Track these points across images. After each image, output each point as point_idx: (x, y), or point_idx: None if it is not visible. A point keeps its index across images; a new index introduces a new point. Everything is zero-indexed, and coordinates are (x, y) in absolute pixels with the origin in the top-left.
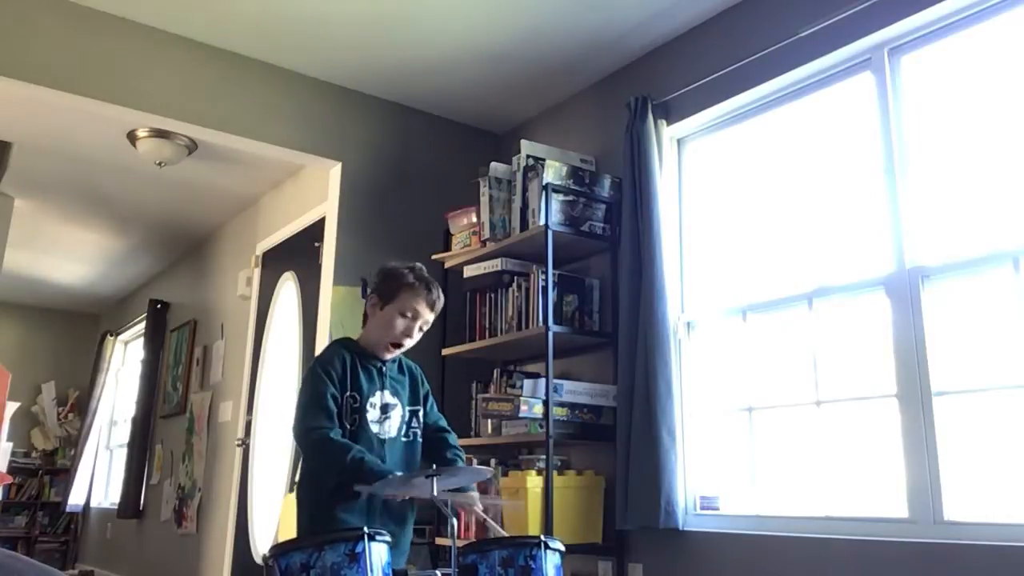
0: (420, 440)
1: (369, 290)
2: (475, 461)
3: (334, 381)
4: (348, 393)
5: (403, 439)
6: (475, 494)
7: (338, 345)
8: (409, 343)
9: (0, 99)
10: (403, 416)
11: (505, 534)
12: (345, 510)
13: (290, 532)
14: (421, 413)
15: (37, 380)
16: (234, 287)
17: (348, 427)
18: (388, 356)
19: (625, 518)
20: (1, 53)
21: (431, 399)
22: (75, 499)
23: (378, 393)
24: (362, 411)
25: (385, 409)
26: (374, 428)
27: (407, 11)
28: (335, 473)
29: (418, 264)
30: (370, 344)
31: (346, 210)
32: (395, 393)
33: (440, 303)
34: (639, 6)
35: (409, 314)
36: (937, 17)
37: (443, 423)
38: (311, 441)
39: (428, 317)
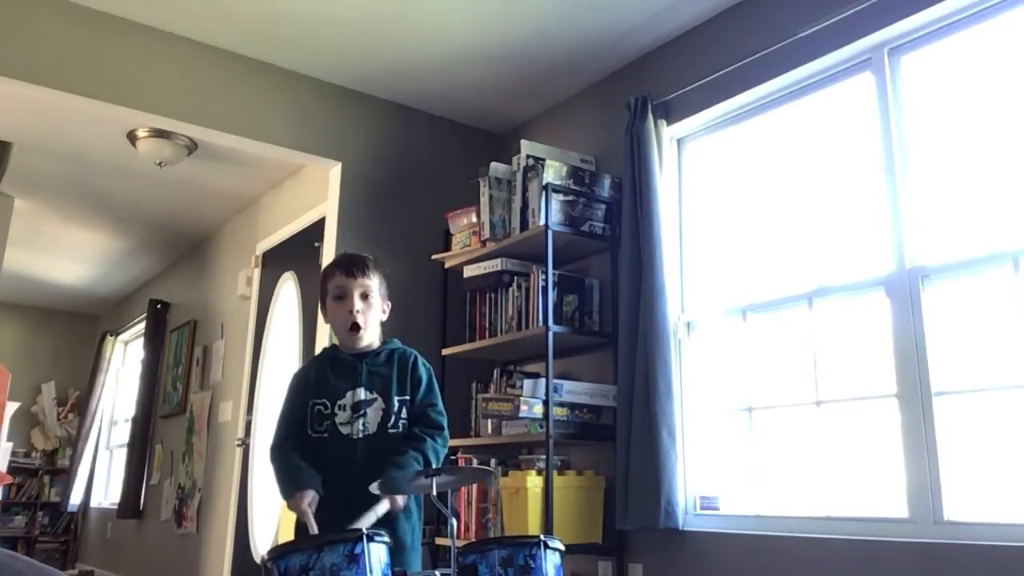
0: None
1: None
2: (475, 461)
3: (297, 396)
4: (319, 401)
5: (390, 431)
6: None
7: (317, 355)
8: (362, 318)
9: (0, 99)
10: (387, 408)
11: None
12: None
13: (290, 532)
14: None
15: (37, 380)
16: (234, 287)
17: (322, 433)
18: (361, 342)
19: (625, 518)
20: (1, 53)
21: (422, 388)
22: (75, 499)
23: (349, 393)
24: (332, 415)
25: (357, 407)
26: (344, 430)
27: (407, 11)
28: (281, 494)
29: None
30: (342, 343)
31: (346, 210)
32: (372, 387)
33: (362, 267)
34: (639, 6)
35: (338, 293)
36: (937, 17)
37: (429, 416)
38: (271, 459)
39: (358, 282)
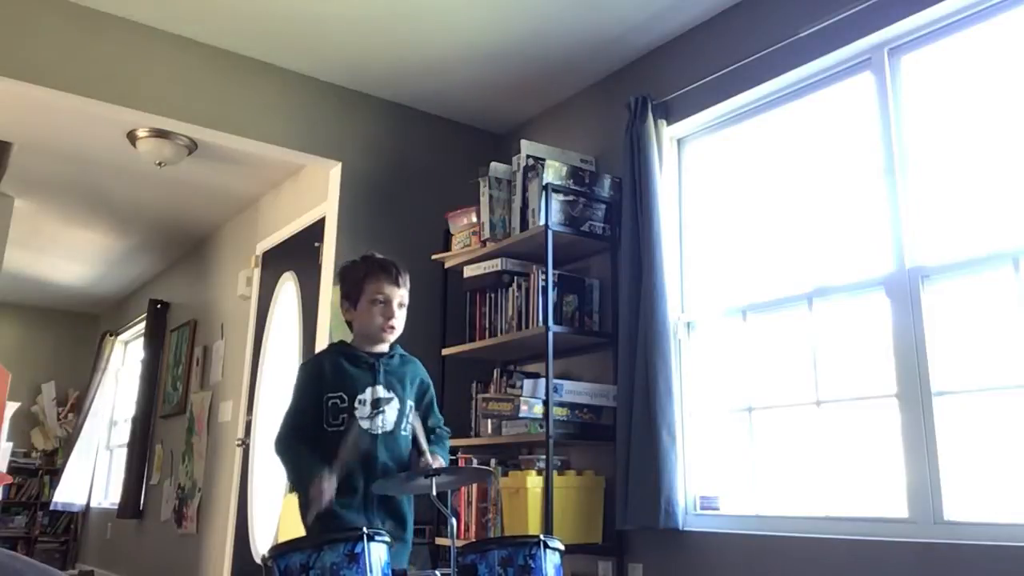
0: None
1: (340, 299)
2: (475, 461)
3: (309, 388)
4: (335, 394)
5: (403, 432)
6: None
7: (326, 350)
8: (397, 323)
9: (0, 99)
10: (402, 409)
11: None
12: (343, 505)
13: (290, 532)
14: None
15: (37, 380)
16: (234, 287)
17: (338, 427)
18: (388, 343)
19: (625, 518)
20: (1, 53)
21: (434, 406)
22: (61, 497)
23: (369, 389)
24: (351, 409)
25: (377, 404)
26: (364, 424)
27: (407, 11)
28: (294, 485)
29: (369, 253)
30: (363, 341)
31: (346, 210)
32: (391, 387)
33: (405, 276)
34: (639, 6)
35: (380, 299)
36: (937, 17)
37: (441, 427)
38: (279, 451)
39: (400, 293)
